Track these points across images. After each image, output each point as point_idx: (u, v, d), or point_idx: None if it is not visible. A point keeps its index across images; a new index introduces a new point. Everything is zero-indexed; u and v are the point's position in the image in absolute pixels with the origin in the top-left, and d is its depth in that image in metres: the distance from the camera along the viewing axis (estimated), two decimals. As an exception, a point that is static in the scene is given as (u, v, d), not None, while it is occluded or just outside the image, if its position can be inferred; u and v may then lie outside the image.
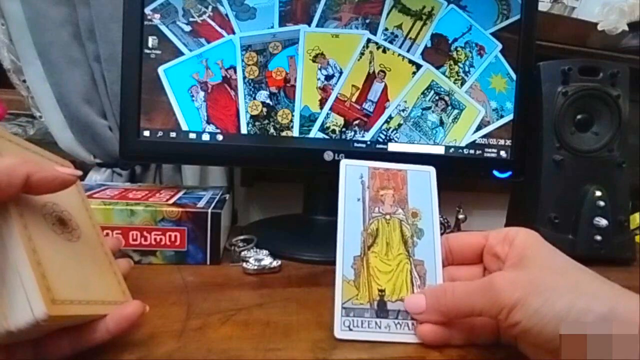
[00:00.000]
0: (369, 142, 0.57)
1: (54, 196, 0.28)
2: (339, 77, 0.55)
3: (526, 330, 0.28)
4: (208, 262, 0.48)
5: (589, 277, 0.30)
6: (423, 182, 0.39)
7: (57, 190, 0.27)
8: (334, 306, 0.33)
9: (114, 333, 0.28)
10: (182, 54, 0.53)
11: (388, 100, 0.57)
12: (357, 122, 0.56)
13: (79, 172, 0.29)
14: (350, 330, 0.32)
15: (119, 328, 0.28)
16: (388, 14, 0.56)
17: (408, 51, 0.57)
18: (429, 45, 0.57)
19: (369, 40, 0.56)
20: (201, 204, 0.49)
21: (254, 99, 0.54)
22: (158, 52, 0.52)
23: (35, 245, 0.25)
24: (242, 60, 0.54)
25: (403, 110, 0.57)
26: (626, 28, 0.75)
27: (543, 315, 0.27)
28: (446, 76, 0.58)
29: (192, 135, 0.54)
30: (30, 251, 0.24)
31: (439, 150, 0.58)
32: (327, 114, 0.56)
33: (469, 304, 0.31)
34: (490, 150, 0.60)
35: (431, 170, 0.40)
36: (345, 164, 0.38)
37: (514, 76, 0.59)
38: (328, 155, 0.56)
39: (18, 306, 0.23)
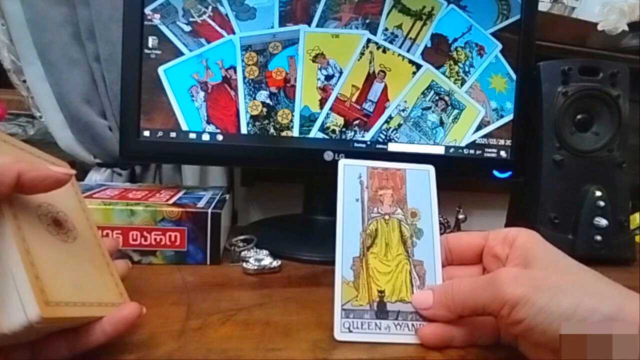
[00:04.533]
0: (369, 142, 0.57)
1: (50, 197, 0.28)
2: (339, 77, 0.55)
3: (530, 328, 0.27)
4: (208, 262, 0.48)
5: (594, 277, 0.30)
6: (422, 181, 0.39)
7: (50, 189, 0.27)
8: (334, 308, 0.33)
9: (111, 335, 0.27)
10: (182, 54, 0.53)
11: (388, 100, 0.57)
12: (357, 122, 0.56)
13: (73, 171, 0.28)
14: (350, 332, 0.32)
15: (116, 330, 0.27)
16: (388, 14, 0.56)
17: (408, 51, 0.57)
18: (429, 45, 0.57)
19: (369, 40, 0.56)
20: (201, 204, 0.49)
21: (254, 99, 0.54)
22: (158, 52, 0.52)
23: (29, 246, 0.24)
24: (242, 60, 0.54)
25: (403, 110, 0.57)
26: (626, 28, 0.75)
27: (549, 313, 0.27)
28: (446, 76, 0.58)
29: (192, 135, 0.54)
30: (24, 252, 0.24)
31: (439, 150, 0.58)
32: (327, 114, 0.56)
33: (473, 299, 0.30)
34: (490, 150, 0.60)
35: (430, 169, 0.39)
36: (344, 164, 0.38)
37: (514, 76, 0.59)
38: (328, 155, 0.56)
39: (11, 308, 0.23)
